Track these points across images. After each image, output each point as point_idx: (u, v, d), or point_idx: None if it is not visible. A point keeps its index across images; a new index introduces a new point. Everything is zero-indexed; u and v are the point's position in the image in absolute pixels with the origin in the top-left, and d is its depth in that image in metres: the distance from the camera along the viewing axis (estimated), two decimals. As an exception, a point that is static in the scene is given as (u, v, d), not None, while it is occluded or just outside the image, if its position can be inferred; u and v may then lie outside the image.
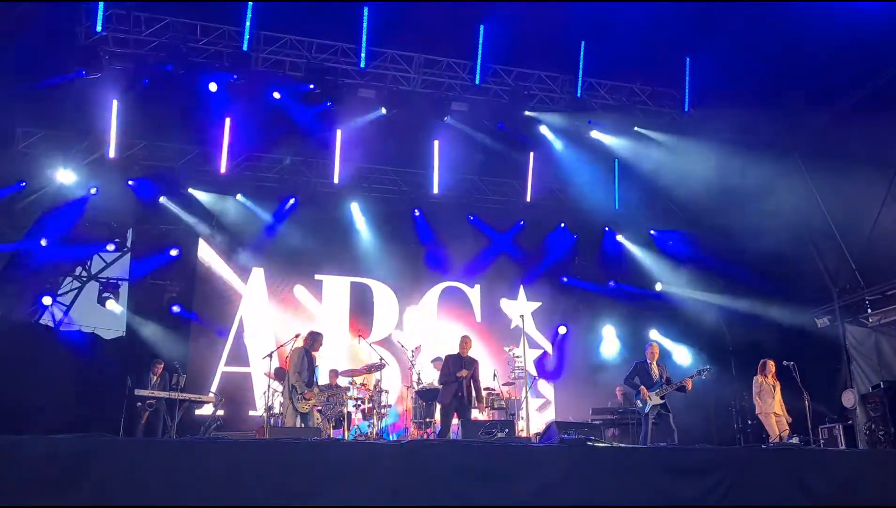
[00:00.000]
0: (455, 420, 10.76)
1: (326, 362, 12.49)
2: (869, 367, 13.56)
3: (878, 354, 13.64)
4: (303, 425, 10.22)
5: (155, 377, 11.98)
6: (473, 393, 10.83)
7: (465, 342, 11.13)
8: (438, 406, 11.21)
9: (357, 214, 15.83)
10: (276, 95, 13.53)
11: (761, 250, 14.23)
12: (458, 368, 10.73)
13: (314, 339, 10.70)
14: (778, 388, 11.26)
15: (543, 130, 15.00)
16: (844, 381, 13.56)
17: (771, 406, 11.13)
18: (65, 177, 13.78)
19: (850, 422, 13.06)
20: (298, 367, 10.33)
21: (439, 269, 16.39)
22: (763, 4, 11.84)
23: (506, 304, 16.62)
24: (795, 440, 10.65)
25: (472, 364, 10.91)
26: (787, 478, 7.10)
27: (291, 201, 15.40)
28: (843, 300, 14.05)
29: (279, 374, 11.33)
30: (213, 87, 12.99)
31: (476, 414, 13.03)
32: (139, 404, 11.62)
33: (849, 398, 13.22)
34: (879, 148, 13.02)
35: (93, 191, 14.08)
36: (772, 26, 12.06)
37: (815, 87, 12.59)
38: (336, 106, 13.85)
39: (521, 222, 16.70)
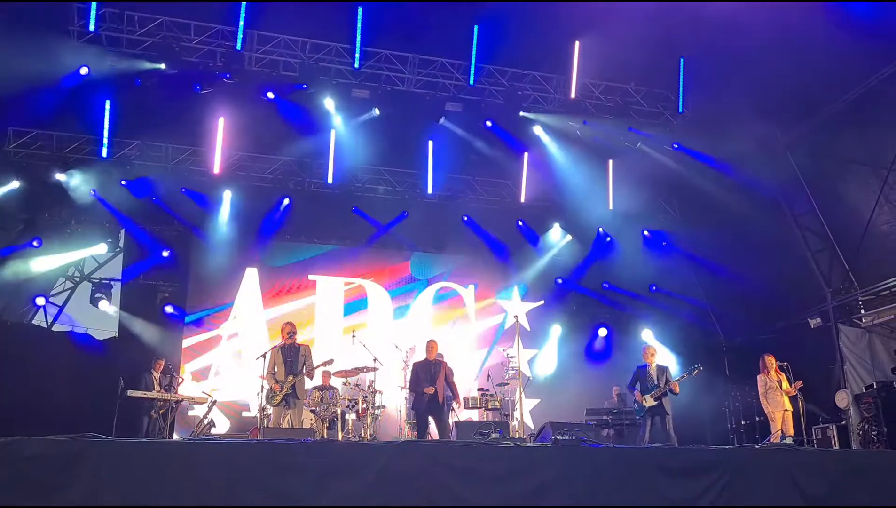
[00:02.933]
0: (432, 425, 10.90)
1: (319, 362, 12.45)
2: (862, 367, 13.58)
3: (871, 354, 13.67)
4: (288, 417, 10.12)
5: (157, 374, 11.96)
6: (449, 393, 11.05)
7: (430, 346, 11.24)
8: (413, 412, 11.26)
9: (351, 214, 15.78)
10: (270, 94, 13.48)
11: (754, 250, 14.27)
12: (425, 373, 10.85)
13: (282, 332, 10.63)
14: (784, 381, 11.21)
15: (538, 130, 14.99)
16: (838, 381, 13.58)
17: (781, 404, 11.08)
18: (58, 177, 13.74)
19: (843, 422, 13.09)
20: (268, 368, 10.30)
21: (434, 269, 16.39)
22: (756, 6, 11.86)
23: (500, 304, 16.61)
24: (789, 440, 10.66)
25: (438, 367, 10.99)
26: (781, 478, 7.11)
27: (286, 201, 15.35)
28: (837, 301, 14.09)
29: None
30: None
31: (467, 415, 13.08)
32: (153, 414, 11.63)
33: (842, 399, 13.25)
34: (873, 149, 13.07)
35: (90, 192, 14.03)
36: (765, 27, 12.08)
37: (808, 87, 12.61)
38: (327, 106, 13.82)
39: (517, 223, 16.68)
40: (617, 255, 17.07)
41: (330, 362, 11.03)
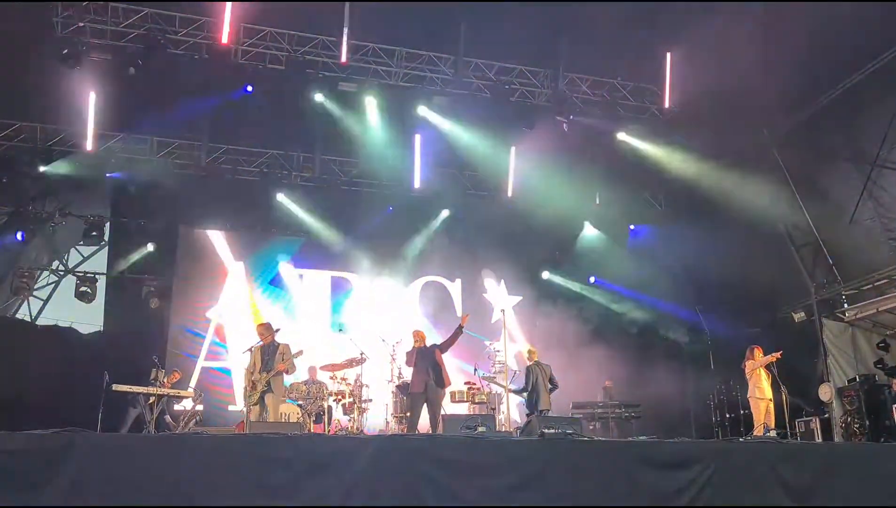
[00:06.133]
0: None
1: (307, 357, 12.46)
2: (845, 361, 13.69)
3: (854, 348, 13.78)
4: (262, 413, 10.17)
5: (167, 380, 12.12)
6: (442, 376, 11.08)
7: (419, 335, 11.39)
8: (409, 397, 11.29)
9: (337, 207, 15.73)
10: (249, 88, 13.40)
11: (740, 245, 14.34)
12: (422, 358, 10.97)
13: (260, 333, 10.68)
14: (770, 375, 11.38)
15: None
16: (821, 375, 13.69)
17: (765, 393, 11.24)
18: (42, 169, 13.64)
19: (826, 415, 13.20)
20: (249, 367, 10.37)
21: (420, 263, 16.40)
22: (742, 3, 11.91)
23: (487, 298, 16.63)
24: (773, 433, 10.75)
25: (433, 352, 11.13)
26: (765, 471, 7.17)
27: (279, 195, 15.30)
28: (820, 295, 14.19)
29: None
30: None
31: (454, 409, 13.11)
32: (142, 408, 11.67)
33: (825, 392, 13.36)
34: (856, 144, 13.16)
35: (74, 185, 13.94)
36: (750, 24, 12.14)
37: (794, 84, 12.67)
38: (317, 100, 13.78)
39: (503, 217, 16.66)
40: (603, 249, 17.12)
41: (299, 353, 11.02)
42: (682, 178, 15.26)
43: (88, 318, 14.46)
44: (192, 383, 13.96)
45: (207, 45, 12.89)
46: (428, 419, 10.90)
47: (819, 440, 12.59)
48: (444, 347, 11.28)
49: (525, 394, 12.10)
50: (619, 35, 12.72)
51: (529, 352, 12.54)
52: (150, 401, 11.77)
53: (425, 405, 10.88)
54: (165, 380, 12.18)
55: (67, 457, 5.73)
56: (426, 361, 10.97)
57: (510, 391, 12.28)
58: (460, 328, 11.35)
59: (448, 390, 12.82)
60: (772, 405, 11.26)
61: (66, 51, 12.00)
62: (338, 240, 15.93)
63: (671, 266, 16.57)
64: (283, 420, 11.01)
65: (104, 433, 10.07)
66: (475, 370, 13.59)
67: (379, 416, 13.06)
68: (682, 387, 15.66)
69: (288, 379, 11.22)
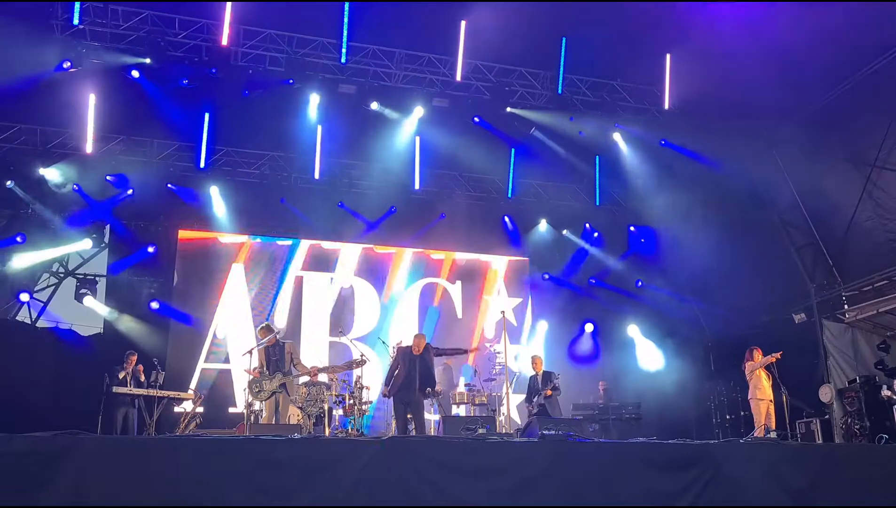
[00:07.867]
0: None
1: (307, 358, 12.48)
2: (845, 362, 13.69)
3: (854, 349, 13.78)
4: (273, 408, 10.24)
5: (129, 369, 11.79)
6: (432, 379, 10.67)
7: (417, 339, 10.83)
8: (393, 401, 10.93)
9: (337, 209, 15.74)
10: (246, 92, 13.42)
11: (739, 246, 14.34)
12: (412, 362, 10.45)
13: (263, 335, 10.72)
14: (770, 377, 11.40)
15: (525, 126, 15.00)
16: (821, 376, 13.69)
17: (765, 393, 11.23)
18: (42, 172, 13.65)
19: (826, 417, 13.20)
20: (255, 368, 10.48)
21: (421, 265, 16.40)
22: (741, 4, 11.92)
23: (487, 300, 16.63)
24: (773, 434, 10.75)
25: (425, 355, 10.61)
26: (765, 472, 7.16)
27: (280, 199, 15.31)
28: (820, 296, 14.19)
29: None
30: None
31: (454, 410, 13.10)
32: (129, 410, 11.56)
33: (826, 393, 13.35)
34: (856, 146, 13.17)
35: (74, 187, 13.94)
36: (751, 26, 12.14)
37: (793, 85, 12.68)
38: (313, 101, 13.79)
39: (503, 219, 16.69)
40: (604, 250, 17.13)
41: (357, 363, 10.92)
42: (682, 178, 15.28)
43: (88, 320, 14.47)
44: (193, 384, 13.95)
45: (207, 48, 12.91)
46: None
47: (819, 441, 12.58)
48: (438, 351, 10.83)
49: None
50: (619, 36, 12.72)
51: (538, 359, 12.11)
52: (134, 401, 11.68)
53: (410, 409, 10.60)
54: (127, 366, 11.89)
55: (67, 459, 5.72)
56: (417, 365, 10.46)
57: (549, 393, 11.83)
58: (467, 352, 10.98)
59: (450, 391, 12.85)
60: (772, 407, 11.24)
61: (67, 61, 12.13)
62: (337, 241, 15.93)
63: (671, 267, 16.56)
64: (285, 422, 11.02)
65: (104, 434, 10.07)
66: (474, 372, 13.59)
67: (379, 418, 13.06)
68: (681, 388, 15.65)
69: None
